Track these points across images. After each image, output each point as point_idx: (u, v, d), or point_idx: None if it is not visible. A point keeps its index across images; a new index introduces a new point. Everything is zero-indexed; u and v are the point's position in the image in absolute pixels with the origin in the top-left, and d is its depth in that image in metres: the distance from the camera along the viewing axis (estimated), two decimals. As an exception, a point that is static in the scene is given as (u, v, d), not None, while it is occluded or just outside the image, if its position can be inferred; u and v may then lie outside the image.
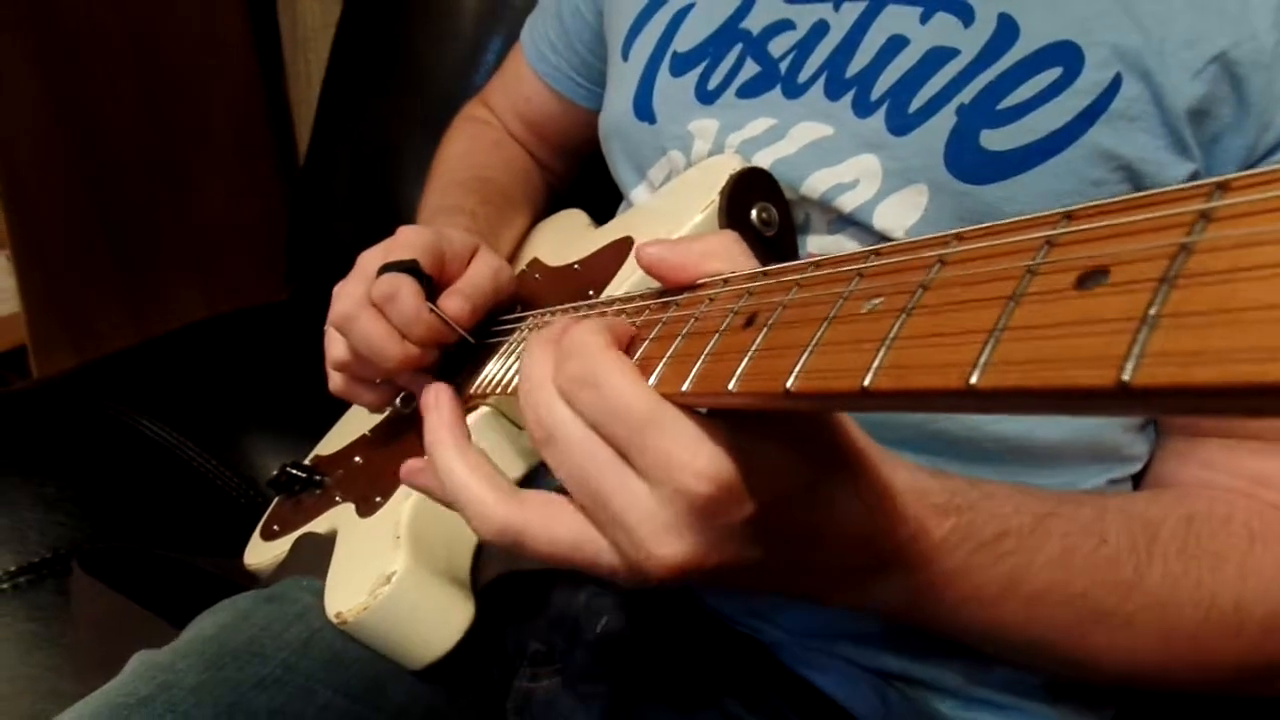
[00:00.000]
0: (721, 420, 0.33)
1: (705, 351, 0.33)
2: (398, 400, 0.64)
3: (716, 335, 0.33)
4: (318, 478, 0.68)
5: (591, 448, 0.34)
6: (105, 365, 0.94)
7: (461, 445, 0.38)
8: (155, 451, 0.85)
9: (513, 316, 0.59)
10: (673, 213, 0.52)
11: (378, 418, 0.72)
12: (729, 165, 0.51)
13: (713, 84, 0.58)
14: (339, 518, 0.58)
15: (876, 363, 0.24)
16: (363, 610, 0.44)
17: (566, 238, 0.69)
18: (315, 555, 0.57)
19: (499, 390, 0.52)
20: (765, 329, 0.31)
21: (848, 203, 0.51)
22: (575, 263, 0.60)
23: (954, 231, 0.26)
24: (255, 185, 1.56)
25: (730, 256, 0.38)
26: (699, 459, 0.31)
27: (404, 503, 0.51)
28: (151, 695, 0.42)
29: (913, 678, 0.49)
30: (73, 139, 1.38)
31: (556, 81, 0.79)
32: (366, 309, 0.55)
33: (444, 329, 0.56)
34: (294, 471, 0.69)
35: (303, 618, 0.48)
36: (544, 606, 0.52)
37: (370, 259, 0.58)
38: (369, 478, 0.59)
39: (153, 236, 1.46)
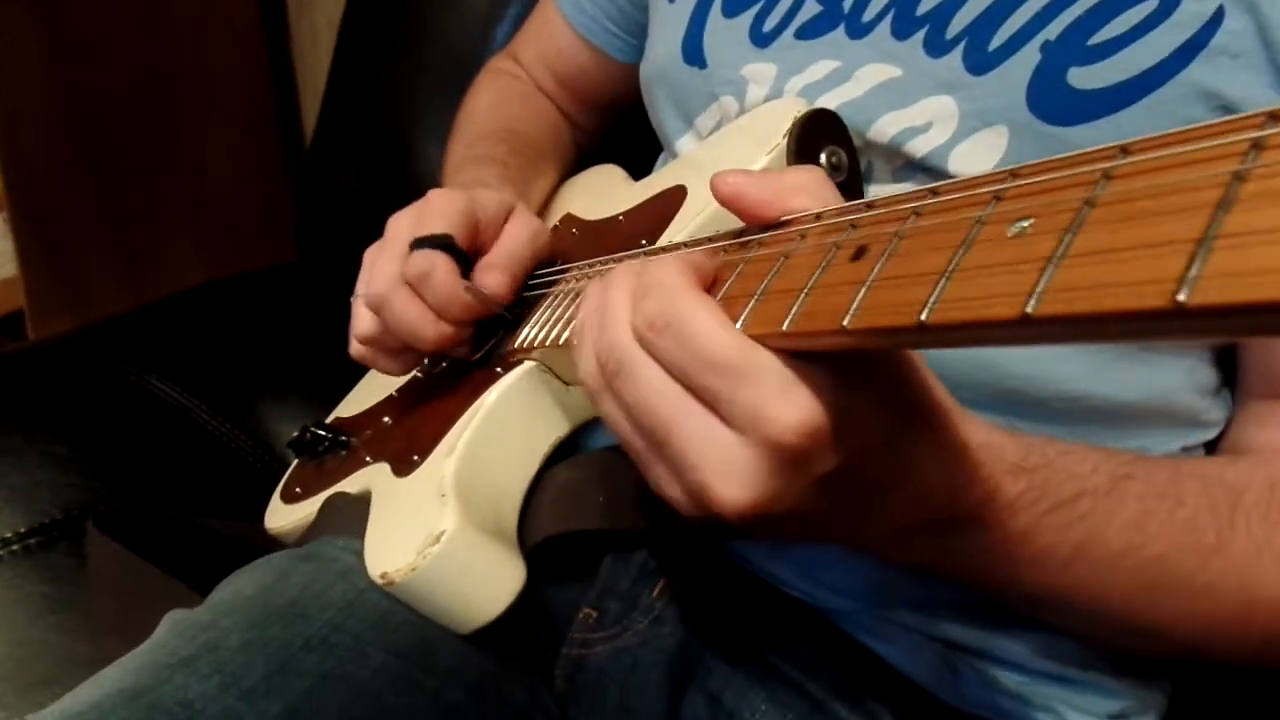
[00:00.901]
0: (816, 367, 0.30)
1: (807, 287, 0.30)
2: (426, 359, 0.61)
3: (819, 269, 0.31)
4: (344, 439, 0.65)
5: (666, 392, 0.32)
6: (113, 326, 0.91)
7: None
8: (167, 413, 0.82)
9: (553, 270, 0.56)
10: (731, 159, 0.49)
11: (404, 379, 0.69)
12: (793, 108, 0.48)
13: (769, 25, 0.55)
14: (372, 478, 0.56)
15: (1041, 286, 0.22)
16: (410, 571, 0.42)
17: (603, 192, 0.66)
18: (347, 516, 0.54)
19: (543, 344, 0.49)
20: (882, 259, 0.28)
21: (919, 147, 0.48)
22: (619, 215, 0.57)
23: (1117, 144, 0.24)
24: (257, 148, 1.52)
25: (818, 192, 0.35)
26: (793, 411, 0.29)
27: (446, 460, 0.48)
28: (195, 655, 0.40)
29: (978, 648, 0.46)
30: (72, 100, 1.34)
31: (591, 33, 0.75)
32: (401, 289, 0.52)
33: (481, 306, 0.53)
34: (319, 432, 0.66)
35: (345, 577, 0.45)
36: (595, 571, 0.49)
37: (401, 227, 0.54)
38: (403, 437, 0.56)
39: (153, 199, 1.42)
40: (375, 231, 1.11)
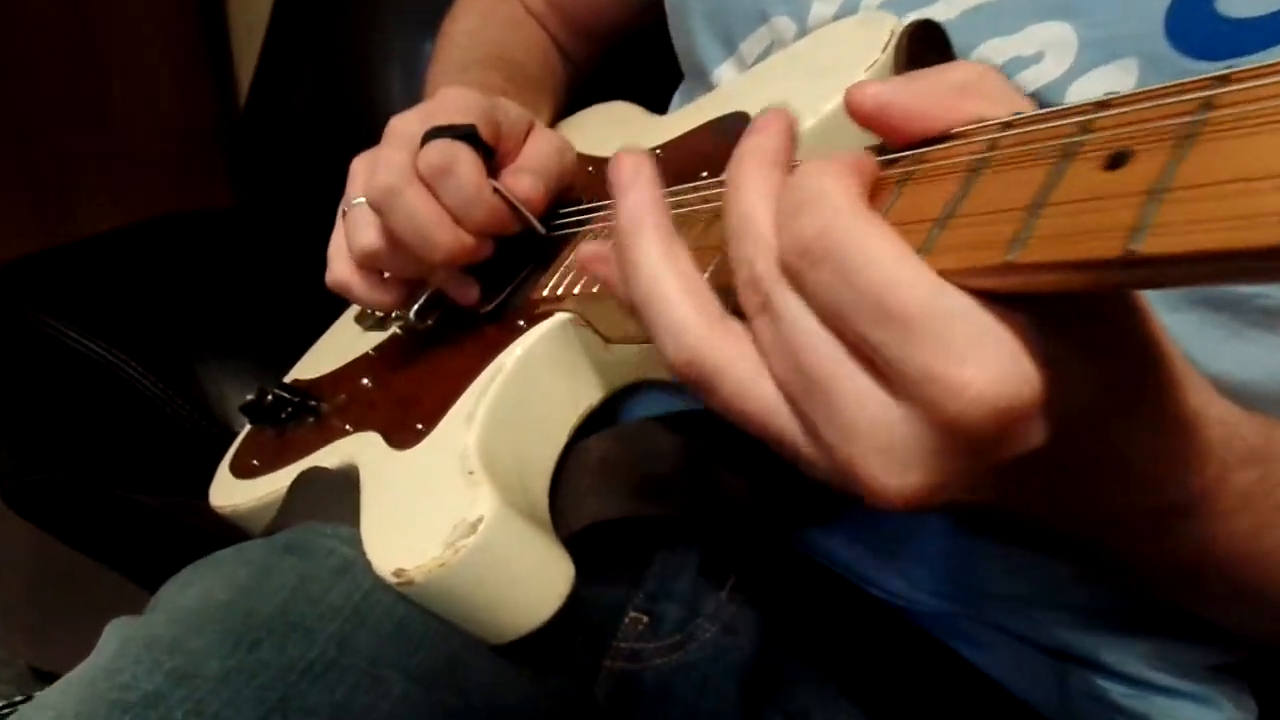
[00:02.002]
0: (1019, 318, 0.23)
1: (1045, 202, 0.22)
2: (412, 313, 0.52)
3: (1049, 182, 0.23)
4: (313, 403, 0.55)
5: (816, 343, 0.24)
6: (22, 268, 0.78)
7: (668, 238, 0.28)
8: (88, 370, 0.70)
9: (583, 208, 0.48)
10: (806, 83, 0.41)
11: (380, 335, 0.59)
12: (887, 21, 0.40)
13: (836, -65, 0.47)
14: (357, 450, 0.46)
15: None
16: (439, 567, 0.33)
17: (617, 127, 0.58)
18: (329, 495, 0.44)
19: (579, 291, 0.40)
20: (1175, 161, 0.20)
21: (1030, 80, 0.40)
22: (654, 149, 0.49)
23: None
24: (183, 86, 1.37)
25: (997, 92, 0.28)
26: (992, 376, 0.21)
27: (465, 430, 0.39)
28: (162, 691, 0.30)
29: (1086, 656, 0.40)
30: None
31: (595, -52, 0.66)
32: (414, 183, 0.43)
33: (508, 214, 0.44)
34: (282, 394, 0.56)
35: (344, 574, 0.36)
36: (644, 565, 0.41)
37: (409, 122, 0.45)
38: (396, 403, 0.47)
39: (67, 141, 1.27)
40: (327, 174, 0.99)
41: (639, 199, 0.28)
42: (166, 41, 1.34)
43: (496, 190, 0.44)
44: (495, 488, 0.35)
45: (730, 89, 0.48)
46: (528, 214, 0.45)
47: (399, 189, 0.42)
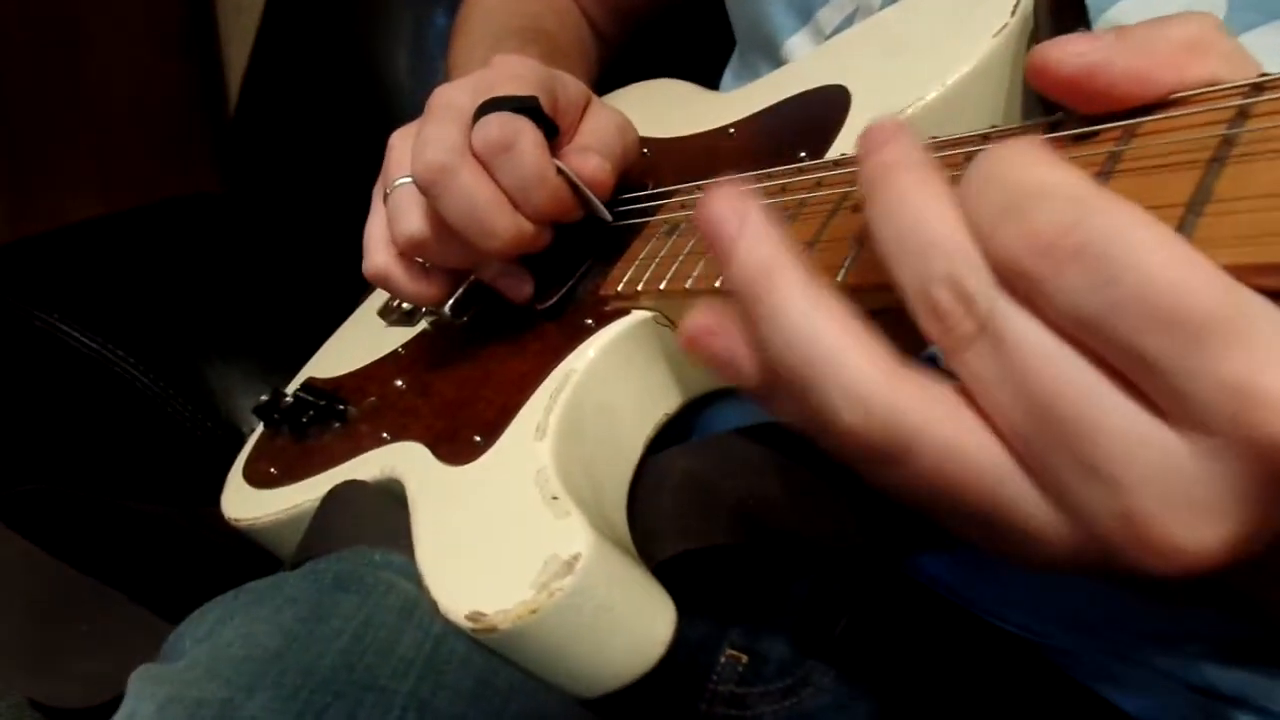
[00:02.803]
0: None
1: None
2: (448, 308, 0.46)
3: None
4: (339, 406, 0.50)
5: (1061, 365, 0.19)
6: (6, 257, 0.72)
7: (810, 283, 0.22)
8: (82, 367, 0.64)
9: (649, 193, 0.42)
10: (920, 50, 0.36)
11: (408, 331, 0.53)
12: (1008, -19, 0.35)
13: (930, -110, 0.42)
14: (399, 462, 0.41)
15: None
16: (529, 614, 0.28)
17: (670, 106, 0.52)
18: (370, 515, 0.39)
19: (668, 289, 0.35)
20: None
21: None
22: (726, 127, 0.44)
23: None
24: (164, 60, 1.30)
25: (1229, 49, 0.23)
26: None
27: (535, 444, 0.34)
28: None
29: (1242, 696, 0.36)
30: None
31: (635, -86, 0.61)
32: (469, 161, 0.37)
33: (572, 198, 0.39)
34: (305, 395, 0.50)
35: (410, 617, 0.30)
36: (738, 596, 0.36)
37: (457, 93, 0.40)
38: (441, 410, 0.42)
39: (44, 125, 1.20)
40: (328, 157, 0.93)
41: (759, 250, 0.22)
42: (149, 21, 1.26)
43: (560, 171, 0.39)
44: (589, 519, 0.30)
45: (813, 62, 0.43)
46: (595, 199, 0.40)
47: (452, 168, 0.37)
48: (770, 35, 0.48)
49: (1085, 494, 0.19)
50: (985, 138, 0.27)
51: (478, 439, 0.37)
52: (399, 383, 0.48)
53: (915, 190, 0.22)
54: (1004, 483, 0.20)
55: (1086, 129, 0.24)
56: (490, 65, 0.41)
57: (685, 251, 0.35)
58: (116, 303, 0.70)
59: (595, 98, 0.45)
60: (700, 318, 0.24)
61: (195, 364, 0.69)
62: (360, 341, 0.58)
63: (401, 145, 0.42)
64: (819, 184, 0.32)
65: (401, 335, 0.53)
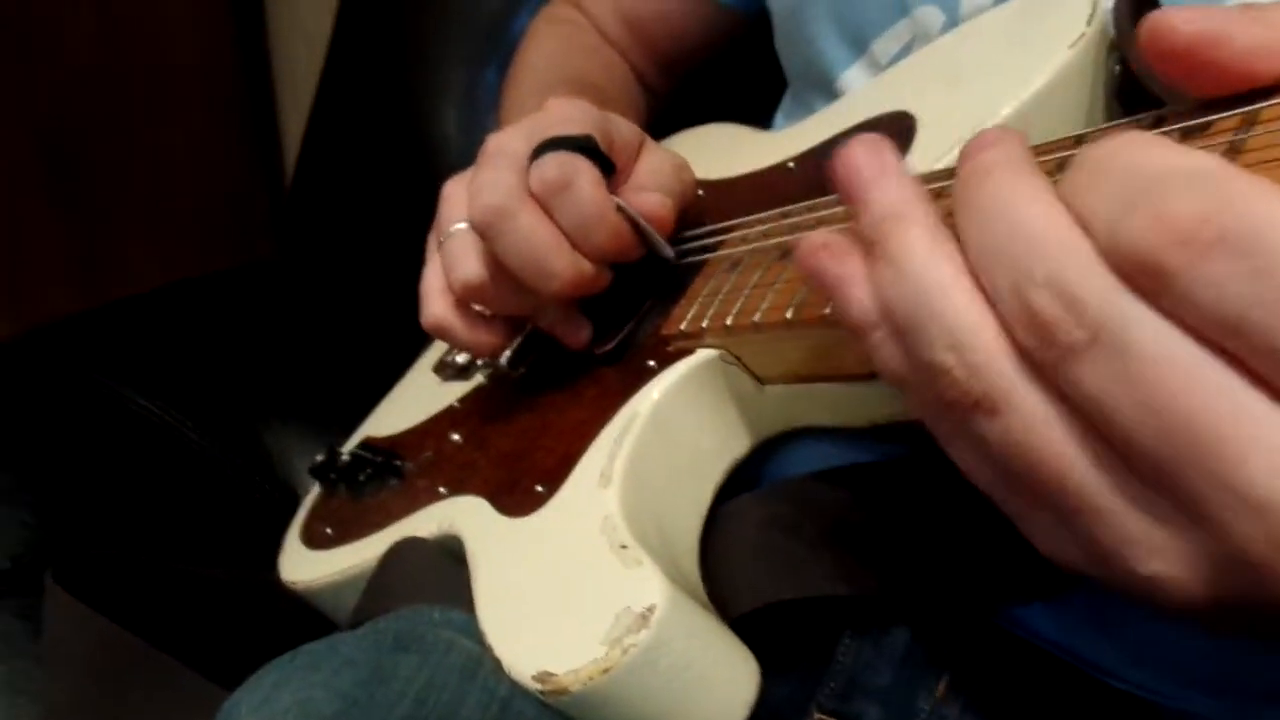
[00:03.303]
0: None
1: None
2: (504, 359, 0.45)
3: None
4: (395, 463, 0.48)
5: (1199, 373, 0.17)
6: (75, 325, 0.73)
7: (939, 232, 0.22)
8: (144, 432, 0.64)
9: (708, 229, 0.41)
10: (990, 68, 0.35)
11: (464, 385, 0.52)
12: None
13: (987, -86, 0.41)
14: (457, 517, 0.39)
15: None
16: (601, 674, 0.25)
17: (722, 147, 0.51)
18: (429, 572, 0.37)
19: (736, 324, 0.33)
20: None
21: None
22: (786, 162, 0.42)
23: None
24: (223, 139, 1.33)
25: None
26: None
27: (602, 492, 0.32)
28: None
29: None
30: (18, 80, 1.15)
31: (681, -34, 0.60)
32: (526, 202, 0.36)
33: (633, 237, 0.38)
34: (361, 453, 0.49)
35: (474, 678, 0.28)
36: (827, 653, 0.33)
37: (511, 138, 0.39)
38: (499, 461, 0.40)
39: (108, 194, 1.23)
40: (381, 219, 0.94)
41: (894, 192, 0.22)
42: (208, 94, 1.31)
43: (620, 209, 0.37)
44: (662, 569, 0.28)
45: (873, 91, 0.41)
46: (656, 236, 0.38)
47: (509, 210, 0.36)
48: (825, 70, 0.47)
49: (1228, 519, 0.17)
50: (1078, 141, 0.26)
51: (539, 489, 0.35)
52: (455, 437, 0.47)
53: (1011, 188, 0.20)
54: (1090, 473, 0.19)
55: (1197, 120, 0.22)
56: (543, 109, 0.41)
57: (751, 285, 0.33)
58: (177, 368, 0.70)
59: (649, 139, 0.44)
60: (822, 237, 0.24)
61: (253, 427, 0.69)
62: (416, 399, 0.57)
63: (455, 193, 0.42)
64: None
65: (457, 390, 0.52)
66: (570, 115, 0.39)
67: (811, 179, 0.40)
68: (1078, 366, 0.18)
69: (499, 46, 0.83)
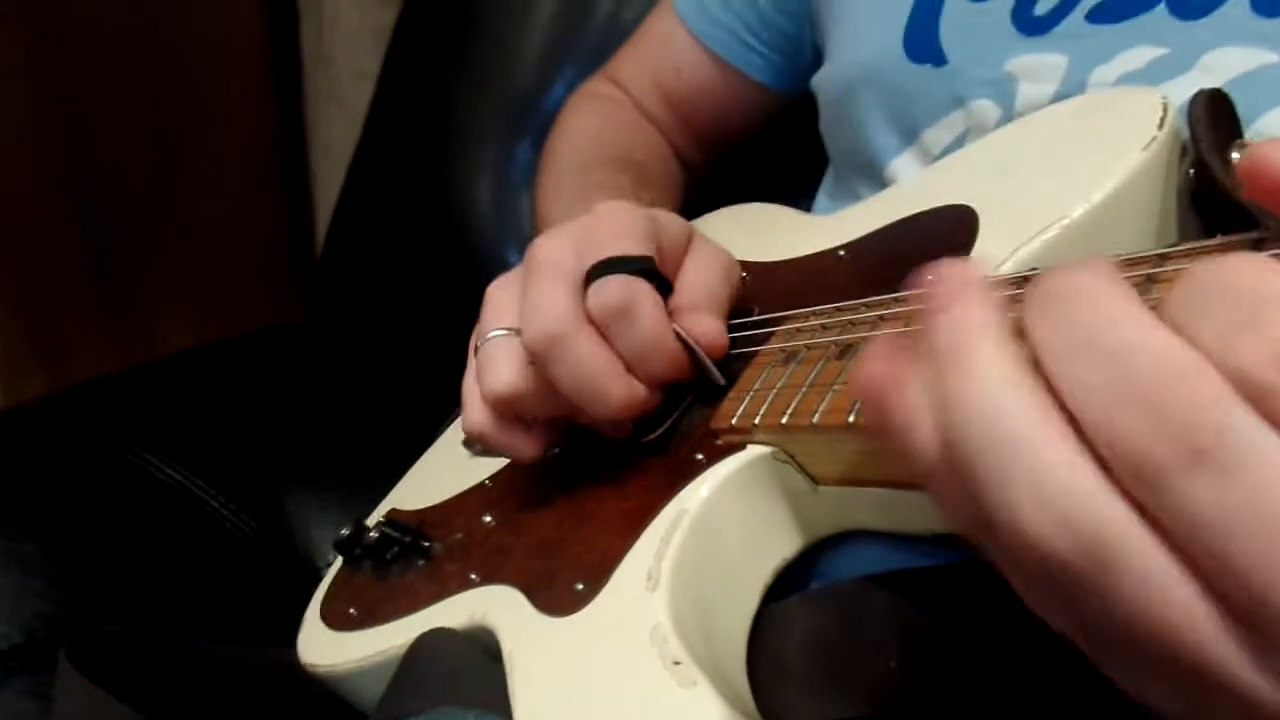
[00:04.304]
0: None
1: None
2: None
3: None
4: (425, 543, 0.47)
5: None
6: (99, 389, 0.72)
7: (1017, 363, 0.20)
8: (167, 502, 0.63)
9: (760, 319, 0.40)
10: (1055, 166, 0.34)
11: (495, 462, 0.51)
12: (1148, 98, 0.33)
13: (1042, 9, 0.41)
14: (491, 609, 0.37)
15: None
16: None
17: (773, 232, 0.50)
18: (461, 670, 0.35)
19: (778, 421, 0.32)
20: None
21: None
22: (835, 249, 0.41)
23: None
24: (259, 202, 1.35)
25: None
26: None
27: (649, 596, 0.30)
28: None
29: None
30: (61, 141, 1.16)
31: (724, 47, 0.60)
32: (584, 328, 0.35)
33: (689, 363, 0.37)
34: (389, 530, 0.48)
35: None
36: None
37: (560, 249, 0.38)
38: (537, 551, 0.39)
39: (143, 255, 1.24)
40: (406, 292, 0.93)
41: (973, 314, 0.20)
42: (244, 159, 1.32)
43: (680, 336, 0.36)
44: (715, 686, 0.26)
45: (930, 181, 0.41)
46: (711, 365, 0.37)
47: (567, 337, 0.35)
48: (872, 157, 0.46)
49: None
50: (1163, 257, 0.24)
51: (579, 586, 0.34)
52: (488, 518, 0.45)
53: (1120, 311, 0.19)
54: (1216, 637, 0.17)
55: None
56: (592, 214, 0.40)
57: (809, 383, 0.32)
58: (202, 434, 0.69)
59: (696, 233, 0.43)
60: (882, 365, 0.22)
61: (274, 494, 0.67)
62: (444, 472, 0.55)
63: (499, 296, 0.40)
64: None
65: (488, 466, 0.51)
66: (622, 226, 0.38)
67: (864, 269, 0.39)
68: (1184, 485, 0.17)
69: (532, 121, 0.83)
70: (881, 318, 0.32)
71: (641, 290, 0.35)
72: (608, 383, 0.35)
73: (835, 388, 0.30)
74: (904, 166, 0.45)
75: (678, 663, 0.27)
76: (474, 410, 0.40)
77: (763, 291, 0.43)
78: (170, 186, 1.24)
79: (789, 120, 0.64)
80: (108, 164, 1.19)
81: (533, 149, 0.84)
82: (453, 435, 0.61)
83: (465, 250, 0.84)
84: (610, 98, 0.66)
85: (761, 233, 0.50)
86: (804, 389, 0.32)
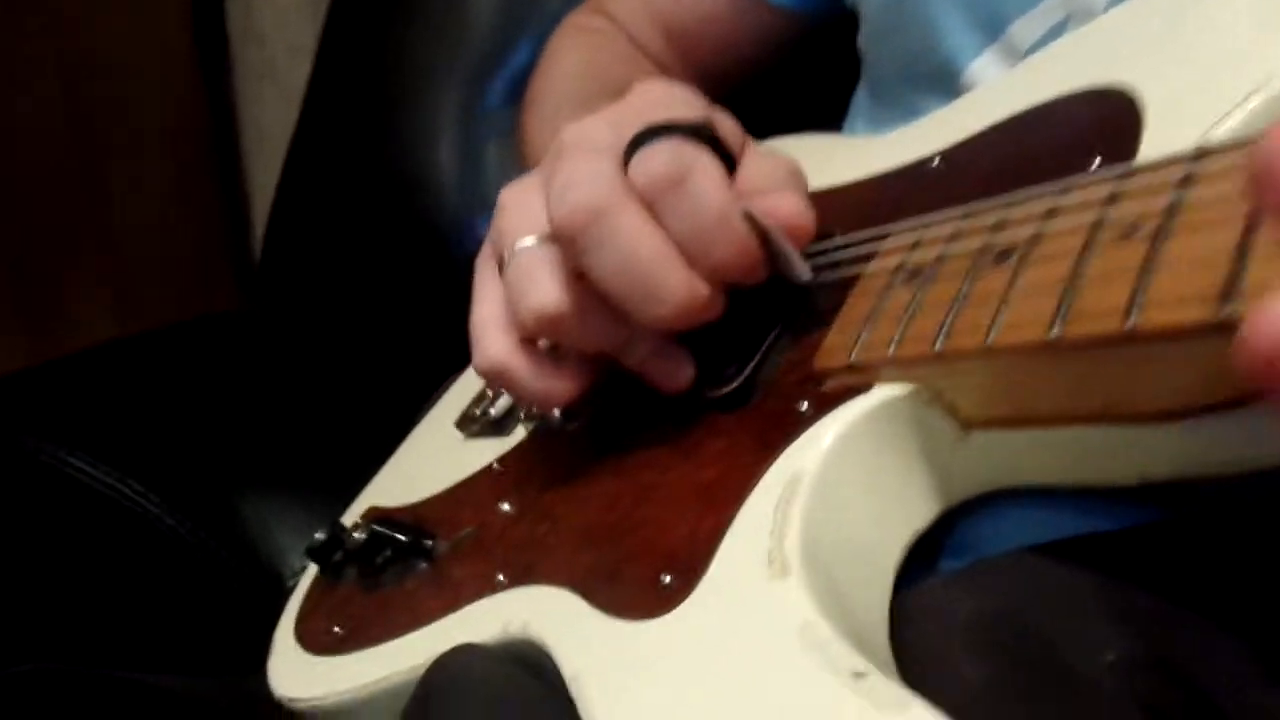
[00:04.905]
0: None
1: None
2: (555, 411, 0.36)
3: None
4: (426, 541, 0.38)
5: None
6: (13, 385, 0.61)
7: None
8: (95, 508, 0.53)
9: (848, 240, 0.32)
10: (1214, 32, 0.27)
11: (500, 442, 0.42)
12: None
13: None
14: (533, 615, 0.29)
15: None
16: None
17: (818, 157, 0.43)
18: (501, 697, 0.27)
19: (928, 349, 0.25)
20: None
21: None
22: (930, 159, 0.34)
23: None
24: (185, 186, 1.23)
25: None
26: None
27: (778, 581, 0.22)
28: None
29: None
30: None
31: (735, -39, 0.53)
32: (631, 201, 0.27)
33: (760, 252, 0.29)
34: (380, 529, 0.39)
35: None
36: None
37: (593, 130, 0.30)
38: (590, 537, 0.30)
39: (55, 238, 1.12)
40: (363, 266, 0.83)
41: None
42: (167, 142, 1.21)
43: (748, 217, 0.29)
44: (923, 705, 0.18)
45: (1043, 70, 0.33)
46: (792, 251, 0.29)
47: (609, 209, 0.27)
48: (944, 62, 0.39)
49: None
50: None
51: (666, 578, 0.26)
52: (506, 506, 0.37)
53: None
54: None
55: None
56: (632, 92, 0.32)
57: (961, 297, 0.25)
58: (133, 431, 0.59)
59: (751, 140, 0.35)
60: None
61: (227, 498, 0.57)
62: (435, 460, 0.46)
63: (520, 199, 0.32)
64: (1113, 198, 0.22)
65: (492, 448, 0.42)
66: (669, 97, 0.31)
67: (982, 173, 0.31)
68: None
69: (500, 64, 0.75)
70: (1052, 211, 0.24)
71: (698, 156, 0.28)
72: (662, 271, 0.27)
73: (1012, 297, 0.23)
74: (986, 68, 0.38)
75: (860, 674, 0.19)
76: (495, 342, 0.31)
77: (837, 216, 0.35)
78: (84, 170, 1.12)
79: (804, 48, 0.57)
80: (16, 144, 1.06)
81: (506, 97, 0.75)
82: (439, 418, 0.52)
83: (427, 216, 0.75)
84: (599, 30, 0.58)
85: (812, 158, 0.42)
86: (956, 305, 0.24)
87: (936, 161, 0.34)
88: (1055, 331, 0.21)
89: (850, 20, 0.49)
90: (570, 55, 0.56)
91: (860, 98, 0.49)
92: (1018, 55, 0.37)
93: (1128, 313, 0.20)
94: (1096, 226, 0.22)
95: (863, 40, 0.46)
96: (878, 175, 0.36)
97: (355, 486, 0.51)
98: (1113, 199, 0.23)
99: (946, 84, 0.40)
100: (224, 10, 1.30)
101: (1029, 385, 0.23)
